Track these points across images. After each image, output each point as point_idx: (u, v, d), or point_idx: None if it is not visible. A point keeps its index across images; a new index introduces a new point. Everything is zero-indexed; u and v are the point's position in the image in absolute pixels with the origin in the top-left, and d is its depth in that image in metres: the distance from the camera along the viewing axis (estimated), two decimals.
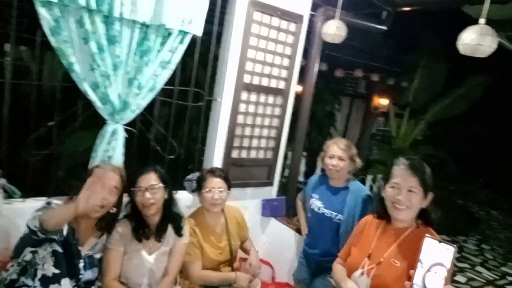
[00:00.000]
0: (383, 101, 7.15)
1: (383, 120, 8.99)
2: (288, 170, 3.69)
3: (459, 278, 4.54)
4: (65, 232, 1.56)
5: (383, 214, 1.59)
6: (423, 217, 1.51)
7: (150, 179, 1.88)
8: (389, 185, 1.50)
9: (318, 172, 5.14)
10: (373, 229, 1.62)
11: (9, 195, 1.92)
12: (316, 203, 2.30)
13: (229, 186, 2.20)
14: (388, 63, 7.17)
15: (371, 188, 6.69)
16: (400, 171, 1.48)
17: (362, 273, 1.50)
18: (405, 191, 1.46)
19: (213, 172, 2.19)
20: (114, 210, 1.78)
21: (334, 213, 2.21)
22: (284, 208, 2.95)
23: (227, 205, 2.26)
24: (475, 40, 1.79)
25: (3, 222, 1.86)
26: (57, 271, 1.57)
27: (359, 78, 7.42)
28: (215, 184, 2.12)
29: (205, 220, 2.17)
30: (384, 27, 3.44)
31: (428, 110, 6.95)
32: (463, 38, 1.82)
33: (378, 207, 1.63)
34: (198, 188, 2.18)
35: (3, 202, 1.89)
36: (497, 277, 4.79)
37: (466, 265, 5.03)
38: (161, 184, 1.90)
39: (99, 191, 1.63)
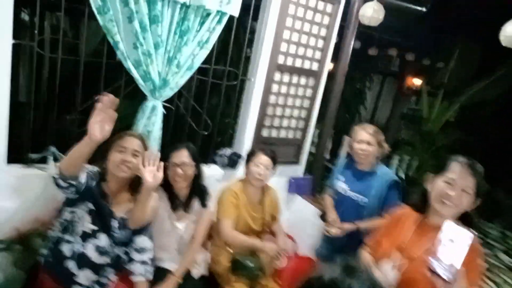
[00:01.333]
0: (416, 81, 6.96)
1: (413, 100, 8.77)
2: (314, 148, 3.74)
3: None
4: (83, 180, 1.65)
5: (421, 207, 1.54)
6: (465, 220, 1.44)
7: (182, 156, 2.02)
8: (443, 179, 1.44)
9: (343, 152, 5.12)
10: (410, 223, 1.56)
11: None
12: (342, 186, 2.38)
13: (275, 166, 2.33)
14: (424, 42, 6.91)
15: (397, 170, 6.67)
16: (460, 168, 1.42)
17: (393, 267, 1.48)
18: (459, 190, 1.40)
19: (263, 150, 2.33)
20: None
21: (360, 197, 2.28)
22: (310, 187, 3.04)
23: (267, 184, 2.38)
24: None
25: (53, 187, 2.04)
26: (95, 227, 1.75)
27: (393, 57, 7.21)
28: (263, 161, 2.26)
29: (247, 189, 2.31)
30: (423, 9, 3.34)
31: (463, 92, 6.73)
32: (506, 30, 1.79)
33: (417, 199, 1.57)
34: (247, 161, 2.33)
35: (54, 168, 2.07)
36: None
37: (488, 251, 5.02)
38: (192, 162, 2.03)
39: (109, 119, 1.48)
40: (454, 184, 1.40)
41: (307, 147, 3.02)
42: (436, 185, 1.45)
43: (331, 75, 3.14)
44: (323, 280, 0.84)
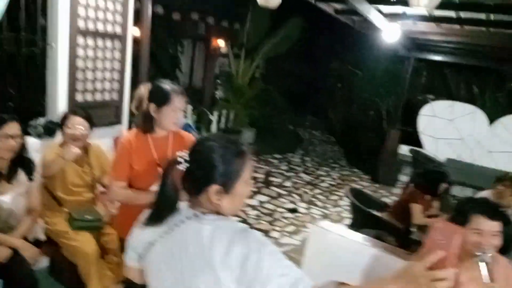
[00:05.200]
0: (220, 43, 7.72)
1: (223, 61, 9.71)
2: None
3: (286, 183, 5.77)
4: None
5: (149, 128, 1.82)
6: None
7: (14, 128, 2.01)
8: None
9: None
10: (143, 142, 1.82)
11: None
12: None
13: (92, 125, 2.43)
14: (221, 6, 7.65)
15: (218, 124, 7.48)
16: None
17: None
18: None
19: (75, 111, 2.40)
20: None
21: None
22: None
23: (88, 143, 2.48)
24: None
25: None
26: None
27: (198, 21, 7.74)
28: (77, 122, 2.34)
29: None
30: None
31: (258, 50, 7.87)
32: None
33: (142, 122, 1.84)
34: (62, 125, 2.37)
35: None
36: (313, 179, 6.25)
37: (292, 174, 6.36)
38: (20, 132, 2.04)
39: None
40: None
41: (126, 107, 3.21)
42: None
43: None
44: None
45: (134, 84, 3.30)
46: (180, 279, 0.99)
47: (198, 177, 1.02)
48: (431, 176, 3.23)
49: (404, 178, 6.11)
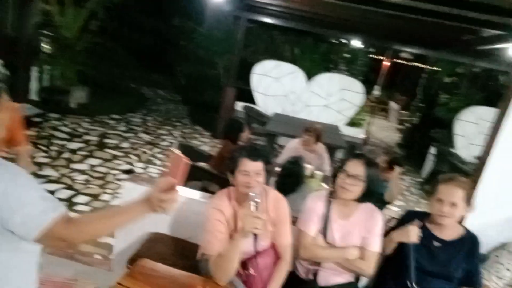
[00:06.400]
0: None
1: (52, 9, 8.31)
2: None
3: (124, 144, 5.51)
4: None
5: None
6: None
7: None
8: None
9: None
10: None
11: None
12: None
13: None
14: None
15: (40, 82, 6.50)
16: None
17: None
18: None
19: None
20: None
21: None
22: None
23: None
24: None
25: None
26: None
27: None
28: None
29: None
30: None
31: None
32: None
33: None
34: None
35: None
36: (154, 138, 6.14)
37: (131, 134, 6.10)
38: None
39: None
40: None
41: None
42: None
43: None
44: None
45: None
46: None
47: None
48: (230, 126, 3.51)
49: None
